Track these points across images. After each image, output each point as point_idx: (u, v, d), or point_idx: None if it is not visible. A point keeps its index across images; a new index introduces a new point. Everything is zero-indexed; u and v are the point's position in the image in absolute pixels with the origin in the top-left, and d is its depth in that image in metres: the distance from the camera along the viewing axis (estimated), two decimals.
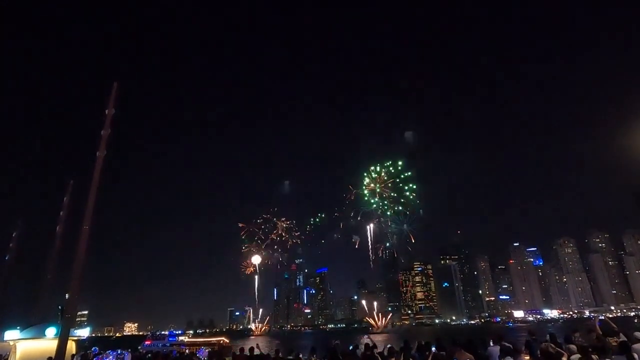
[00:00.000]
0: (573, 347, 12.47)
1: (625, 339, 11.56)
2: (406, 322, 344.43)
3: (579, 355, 11.16)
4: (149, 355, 22.73)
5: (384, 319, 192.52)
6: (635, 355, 9.95)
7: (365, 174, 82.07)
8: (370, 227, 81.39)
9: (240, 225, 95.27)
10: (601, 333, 13.22)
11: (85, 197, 17.03)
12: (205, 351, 17.63)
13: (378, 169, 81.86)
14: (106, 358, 15.46)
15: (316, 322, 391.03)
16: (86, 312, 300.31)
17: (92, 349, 22.94)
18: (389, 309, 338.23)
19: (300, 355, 16.67)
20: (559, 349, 11.55)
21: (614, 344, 11.19)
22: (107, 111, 18.82)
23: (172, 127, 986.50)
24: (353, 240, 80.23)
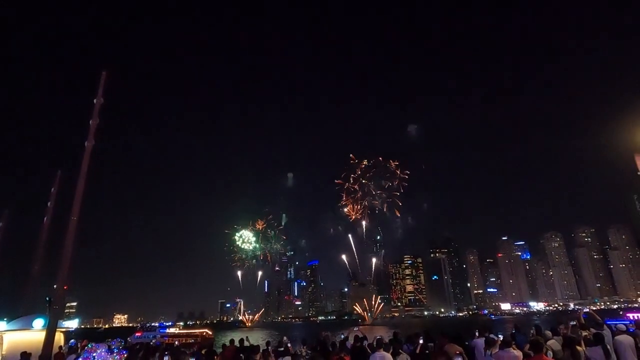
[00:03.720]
0: (548, 333, 12.88)
1: (608, 330, 11.86)
2: (395, 314, 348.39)
3: (554, 340, 11.50)
4: (138, 346, 22.55)
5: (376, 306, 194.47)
6: (609, 346, 10.25)
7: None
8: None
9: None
10: (584, 324, 13.53)
11: (73, 187, 16.79)
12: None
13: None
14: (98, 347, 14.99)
15: (307, 314, 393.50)
16: (75, 303, 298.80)
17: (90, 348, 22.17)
18: (379, 301, 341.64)
19: (289, 345, 16.79)
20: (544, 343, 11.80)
21: (588, 335, 11.50)
22: (95, 101, 18.49)
23: (163, 117, 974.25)
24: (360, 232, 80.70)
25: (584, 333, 11.88)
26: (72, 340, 22.16)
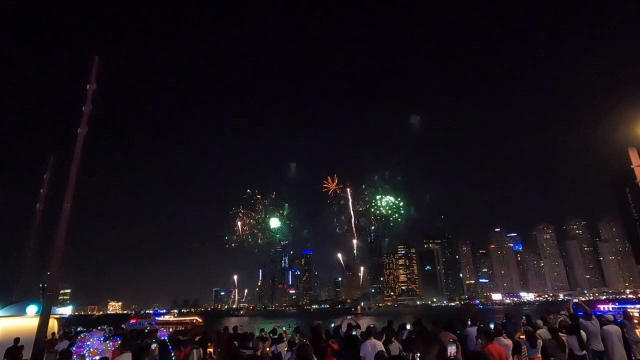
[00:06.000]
0: (539, 322, 13.25)
1: (597, 320, 12.14)
2: (388, 304, 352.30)
3: (544, 330, 11.85)
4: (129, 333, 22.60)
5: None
6: (583, 334, 10.95)
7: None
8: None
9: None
10: (572, 314, 13.82)
11: (66, 173, 16.56)
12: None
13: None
14: (91, 336, 14.91)
15: (301, 303, 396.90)
16: (69, 290, 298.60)
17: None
18: (372, 290, 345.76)
19: (284, 329, 16.97)
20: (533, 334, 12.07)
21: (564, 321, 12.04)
22: (88, 87, 18.12)
23: (162, 110, 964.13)
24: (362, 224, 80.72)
25: (560, 319, 12.49)
26: (79, 328, 22.29)
